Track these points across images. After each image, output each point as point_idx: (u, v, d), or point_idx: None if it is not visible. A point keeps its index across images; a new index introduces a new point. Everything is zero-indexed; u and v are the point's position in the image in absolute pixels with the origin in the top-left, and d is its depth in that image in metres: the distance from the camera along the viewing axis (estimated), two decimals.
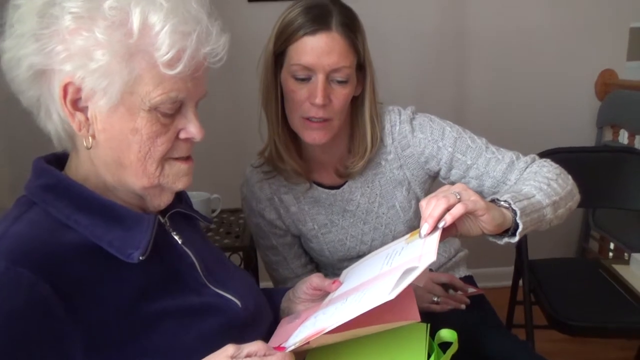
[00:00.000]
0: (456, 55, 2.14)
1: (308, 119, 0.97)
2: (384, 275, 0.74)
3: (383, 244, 1.10)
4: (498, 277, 2.15)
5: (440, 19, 2.10)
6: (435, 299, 1.05)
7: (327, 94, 0.95)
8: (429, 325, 0.74)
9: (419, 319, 0.65)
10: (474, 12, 2.10)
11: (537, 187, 0.91)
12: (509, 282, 1.76)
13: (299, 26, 0.93)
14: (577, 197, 0.99)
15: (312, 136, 0.99)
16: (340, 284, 0.84)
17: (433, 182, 1.14)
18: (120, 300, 0.63)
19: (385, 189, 1.10)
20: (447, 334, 0.72)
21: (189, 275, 0.73)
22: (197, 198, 1.41)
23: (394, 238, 1.10)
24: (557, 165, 1.02)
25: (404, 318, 0.65)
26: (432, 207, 0.73)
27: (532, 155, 1.06)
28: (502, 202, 0.81)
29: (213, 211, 1.49)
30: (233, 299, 0.75)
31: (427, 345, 0.71)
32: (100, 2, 0.60)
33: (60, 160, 0.72)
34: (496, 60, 2.15)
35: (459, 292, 1.10)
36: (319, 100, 0.94)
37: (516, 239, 0.80)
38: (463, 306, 1.07)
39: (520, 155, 1.06)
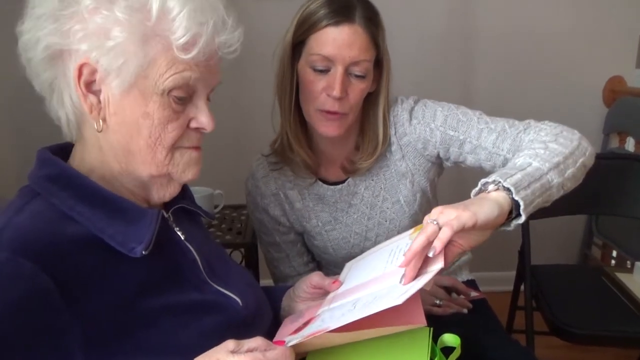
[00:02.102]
0: (462, 57, 2.13)
1: (323, 111, 0.96)
2: (388, 276, 0.73)
3: (388, 239, 1.09)
4: (498, 281, 2.14)
5: (448, 19, 2.09)
6: (438, 301, 1.05)
7: (345, 87, 0.94)
8: (431, 329, 0.73)
9: (425, 323, 0.65)
10: (482, 14, 2.08)
11: (533, 154, 0.85)
12: (508, 287, 1.74)
13: (322, 17, 0.92)
14: (589, 150, 0.92)
15: (327, 128, 0.98)
16: (341, 283, 0.84)
17: (439, 171, 1.13)
18: (121, 295, 0.62)
19: (389, 183, 1.09)
20: (450, 338, 0.71)
21: (190, 271, 0.72)
22: (199, 193, 1.40)
23: (399, 233, 1.09)
24: (557, 124, 0.96)
25: (409, 322, 0.64)
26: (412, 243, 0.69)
27: (528, 121, 1.00)
28: (490, 186, 0.75)
29: (215, 207, 1.48)
30: (234, 296, 0.74)
31: (430, 349, 0.70)
32: None
33: (64, 151, 0.72)
34: (503, 64, 2.13)
35: (461, 296, 1.10)
36: (336, 92, 0.93)
37: (522, 218, 0.74)
38: (465, 310, 1.06)
39: (516, 121, 1.00)
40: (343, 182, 1.10)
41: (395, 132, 1.06)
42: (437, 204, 1.19)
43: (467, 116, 1.02)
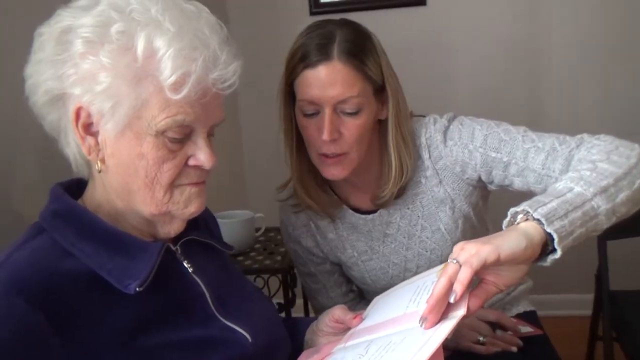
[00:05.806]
0: (530, 63, 2.02)
1: (324, 154, 0.91)
2: (408, 317, 0.67)
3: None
4: (571, 304, 1.97)
5: (514, 25, 1.99)
6: (481, 338, 0.94)
7: (336, 128, 0.88)
8: None
9: None
10: (552, 19, 1.96)
11: (577, 177, 0.74)
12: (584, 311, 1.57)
13: (301, 58, 0.88)
14: None
15: (331, 172, 0.93)
16: (362, 319, 0.79)
17: (484, 193, 1.03)
18: (118, 332, 0.61)
19: (427, 210, 1.01)
20: None
21: (197, 306, 0.71)
22: (240, 217, 1.39)
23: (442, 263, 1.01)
24: (614, 139, 0.84)
25: None
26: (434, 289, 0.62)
27: (580, 136, 0.88)
28: (519, 216, 0.67)
29: (257, 230, 1.47)
30: (242, 332, 0.72)
31: None
32: (109, 26, 0.61)
33: (80, 186, 0.73)
34: (573, 69, 1.99)
35: (509, 333, 0.98)
36: (325, 136, 0.87)
37: (558, 253, 0.65)
38: (514, 348, 0.95)
39: (567, 137, 0.89)
40: (375, 211, 1.03)
41: (430, 156, 0.98)
42: (486, 230, 1.09)
43: (510, 134, 0.92)
